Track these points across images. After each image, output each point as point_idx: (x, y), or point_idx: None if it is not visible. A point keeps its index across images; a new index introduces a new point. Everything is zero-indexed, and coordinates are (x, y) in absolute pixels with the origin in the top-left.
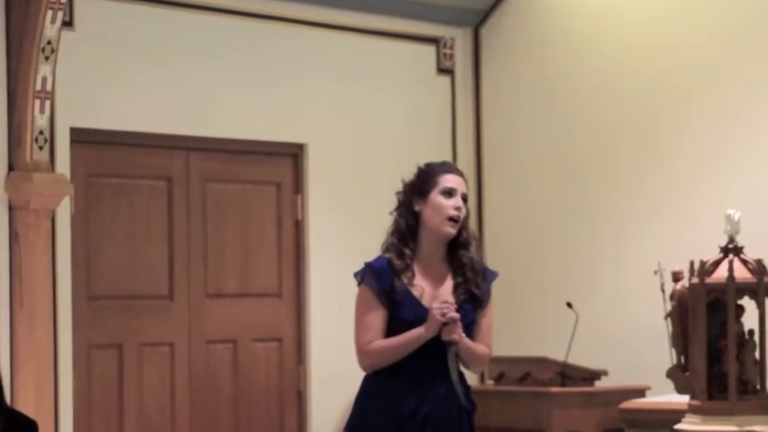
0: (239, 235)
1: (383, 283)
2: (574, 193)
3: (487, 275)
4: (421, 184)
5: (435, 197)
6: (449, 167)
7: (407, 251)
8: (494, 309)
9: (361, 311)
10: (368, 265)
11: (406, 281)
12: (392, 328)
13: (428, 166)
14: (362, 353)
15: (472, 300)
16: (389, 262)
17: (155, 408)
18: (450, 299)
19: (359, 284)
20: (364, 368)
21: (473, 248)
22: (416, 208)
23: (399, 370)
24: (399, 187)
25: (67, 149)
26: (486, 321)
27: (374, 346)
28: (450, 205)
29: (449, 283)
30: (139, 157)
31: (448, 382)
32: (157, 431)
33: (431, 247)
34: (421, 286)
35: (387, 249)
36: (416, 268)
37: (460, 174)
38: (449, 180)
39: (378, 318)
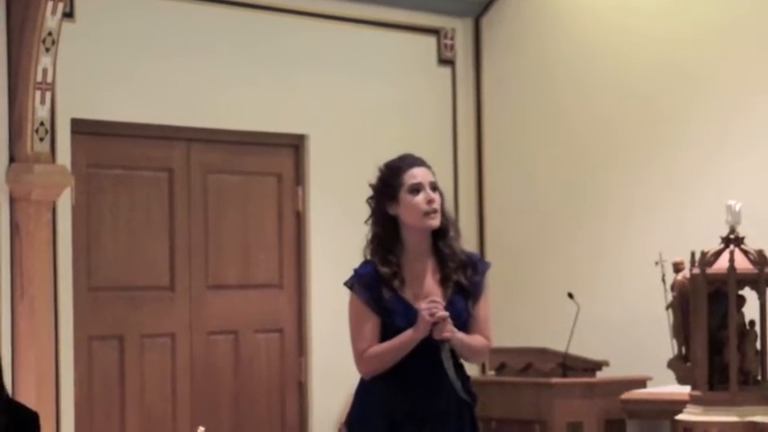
0: (240, 226)
1: (371, 292)
2: (575, 184)
3: (479, 267)
4: (388, 187)
5: (405, 197)
6: (409, 162)
7: (392, 257)
8: (490, 298)
9: (353, 320)
10: (355, 273)
11: (395, 286)
12: (387, 335)
13: (388, 166)
14: (360, 360)
15: (462, 291)
16: (375, 268)
17: (156, 399)
18: (439, 294)
19: (350, 289)
20: (363, 374)
21: (452, 234)
22: (391, 212)
23: (395, 371)
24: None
25: (68, 141)
26: (483, 312)
27: (370, 353)
28: (422, 200)
29: (437, 278)
30: (140, 149)
31: (444, 378)
32: (158, 422)
33: (416, 243)
34: (411, 288)
35: (371, 257)
36: (404, 268)
37: (422, 163)
38: (413, 176)
39: (370, 326)
